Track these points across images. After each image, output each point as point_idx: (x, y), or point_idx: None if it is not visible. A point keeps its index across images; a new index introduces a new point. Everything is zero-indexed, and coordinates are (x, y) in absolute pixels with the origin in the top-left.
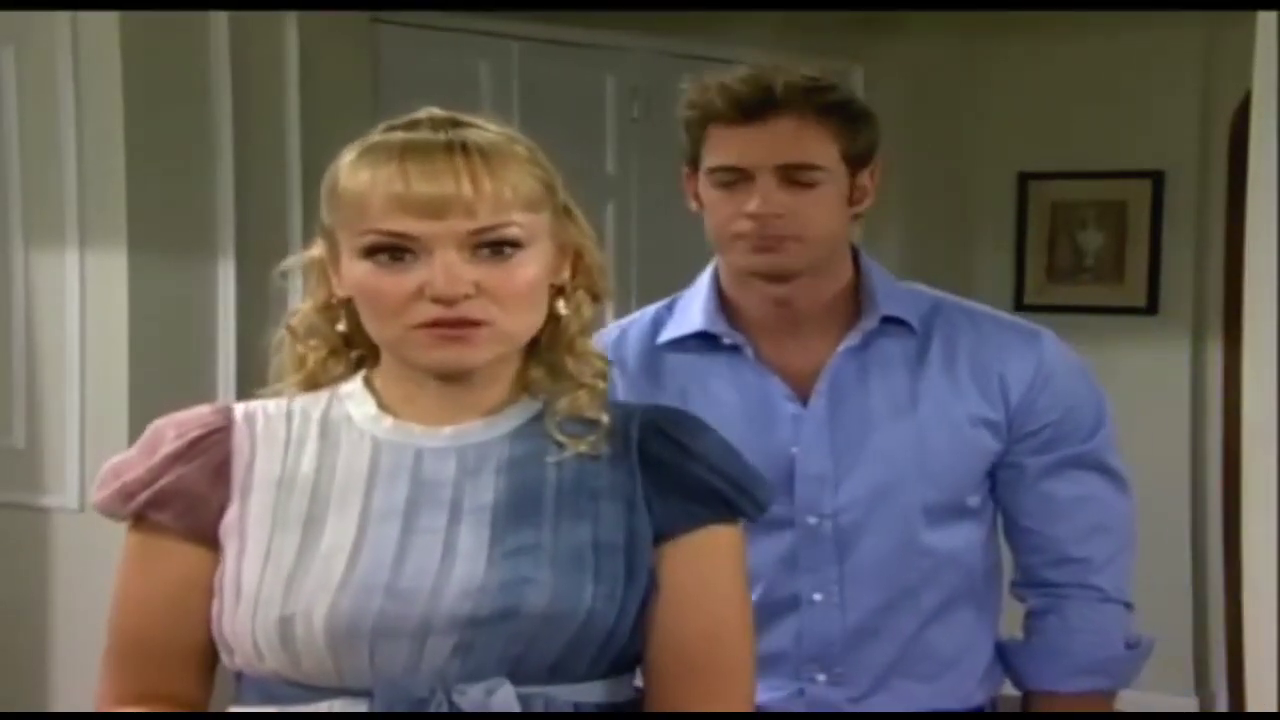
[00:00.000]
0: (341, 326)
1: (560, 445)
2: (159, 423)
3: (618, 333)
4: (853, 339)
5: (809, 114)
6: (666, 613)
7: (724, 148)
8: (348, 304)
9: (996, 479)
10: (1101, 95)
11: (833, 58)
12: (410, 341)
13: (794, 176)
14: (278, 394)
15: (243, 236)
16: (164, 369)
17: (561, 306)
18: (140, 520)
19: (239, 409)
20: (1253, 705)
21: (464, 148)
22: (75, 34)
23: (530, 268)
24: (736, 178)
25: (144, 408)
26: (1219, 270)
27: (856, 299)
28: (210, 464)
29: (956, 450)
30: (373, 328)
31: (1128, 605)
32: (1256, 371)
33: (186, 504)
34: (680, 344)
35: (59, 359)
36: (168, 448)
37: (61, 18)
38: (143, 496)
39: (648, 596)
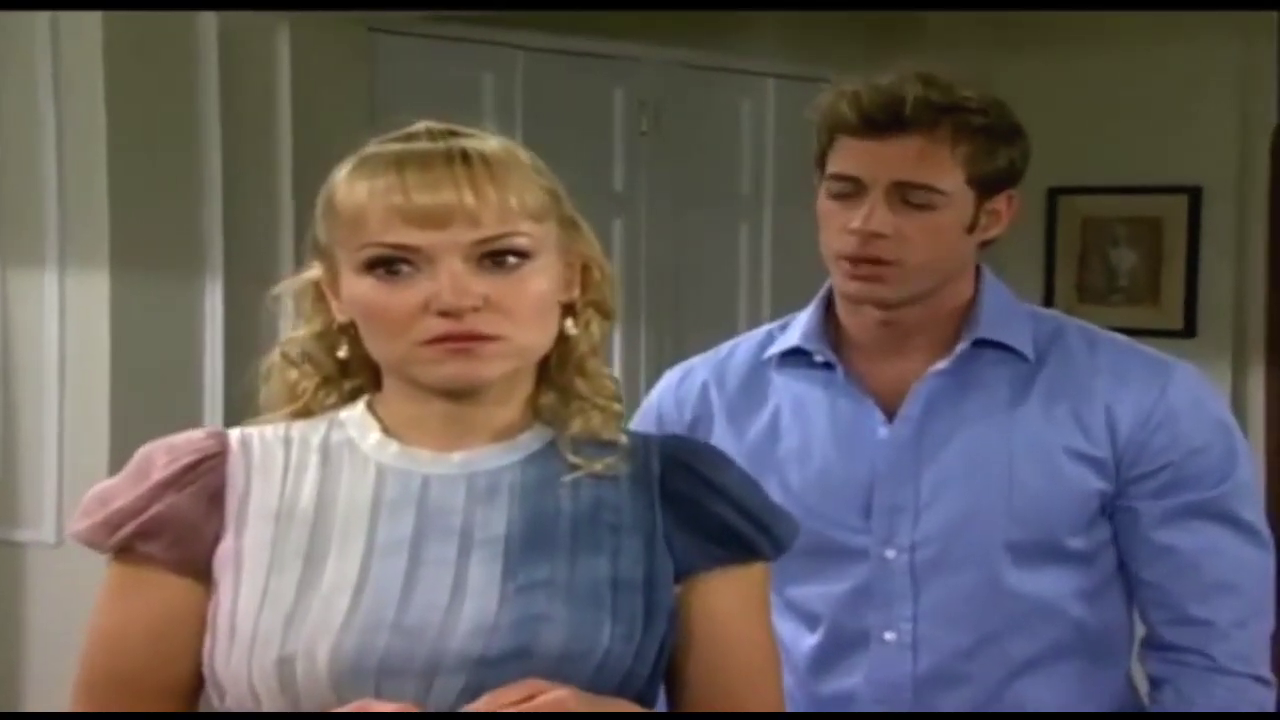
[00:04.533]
0: (343, 353)
1: (575, 468)
2: (148, 447)
3: (728, 349)
4: (944, 362)
5: (940, 134)
6: (686, 657)
7: (844, 157)
8: (348, 329)
9: (1114, 524)
10: (1135, 107)
11: (845, 70)
12: (418, 358)
13: (908, 196)
14: (270, 422)
15: (231, 257)
16: (147, 396)
17: (570, 325)
18: (126, 551)
19: (234, 434)
20: None
21: (464, 156)
22: (56, 46)
23: (539, 280)
24: (850, 189)
25: (126, 438)
26: (1260, 291)
27: (965, 321)
28: (204, 492)
29: (1048, 486)
30: (377, 348)
31: (1258, 679)
32: None
33: (177, 534)
34: (782, 361)
35: (37, 385)
36: (159, 474)
37: (42, 29)
38: (130, 527)
39: (666, 638)
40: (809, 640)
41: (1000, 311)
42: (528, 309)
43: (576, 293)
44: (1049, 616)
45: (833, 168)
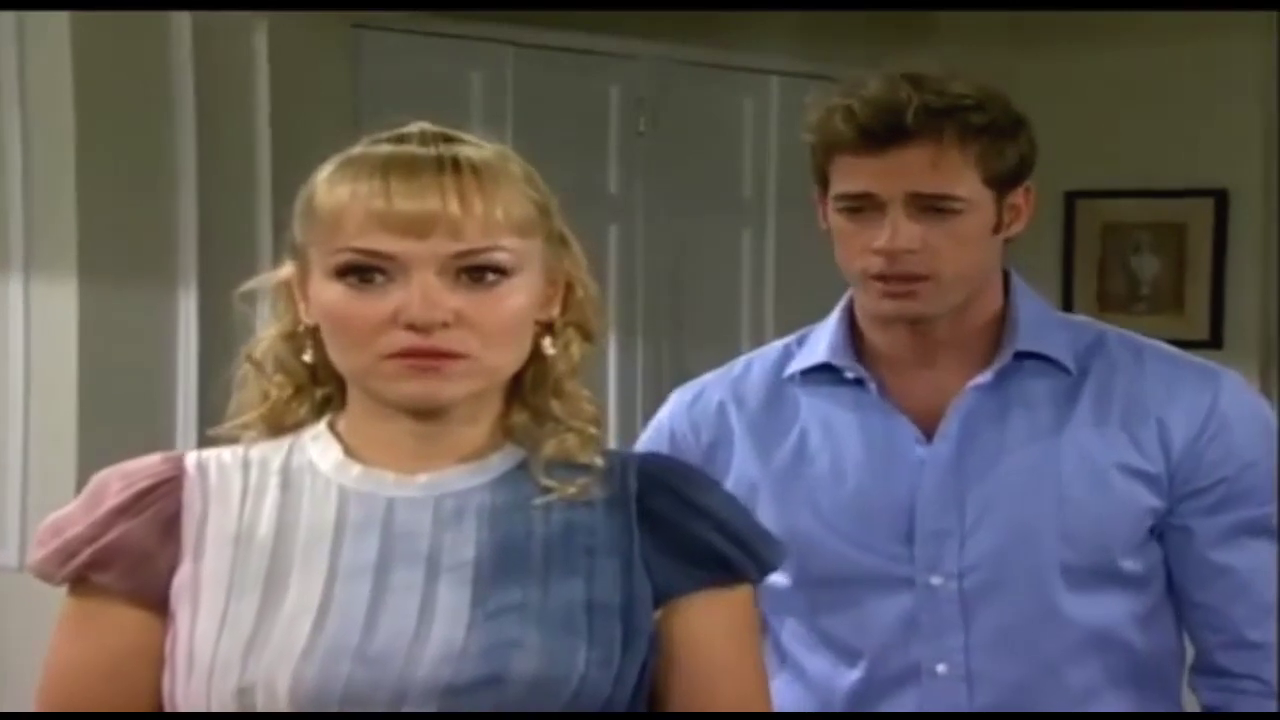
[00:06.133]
0: (308, 357)
1: (547, 490)
2: (103, 474)
3: (742, 366)
4: (984, 376)
5: (948, 140)
6: (670, 684)
7: (852, 175)
8: (315, 332)
9: (1164, 543)
10: (1157, 106)
11: (854, 67)
12: (379, 373)
13: (930, 205)
14: (234, 437)
15: (206, 263)
16: (117, 411)
17: (548, 345)
18: (80, 582)
19: (191, 458)
20: None
21: (455, 164)
22: (22, 46)
23: (516, 298)
24: (865, 205)
25: (94, 454)
26: None
27: (1002, 331)
28: (159, 518)
29: (1102, 505)
30: (339, 358)
31: None
32: None
33: (131, 563)
34: (805, 378)
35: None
36: (112, 501)
37: (8, 29)
38: (84, 556)
39: (647, 663)
40: (849, 676)
41: (1037, 321)
42: (500, 328)
43: (557, 311)
44: (1105, 643)
45: (839, 187)
